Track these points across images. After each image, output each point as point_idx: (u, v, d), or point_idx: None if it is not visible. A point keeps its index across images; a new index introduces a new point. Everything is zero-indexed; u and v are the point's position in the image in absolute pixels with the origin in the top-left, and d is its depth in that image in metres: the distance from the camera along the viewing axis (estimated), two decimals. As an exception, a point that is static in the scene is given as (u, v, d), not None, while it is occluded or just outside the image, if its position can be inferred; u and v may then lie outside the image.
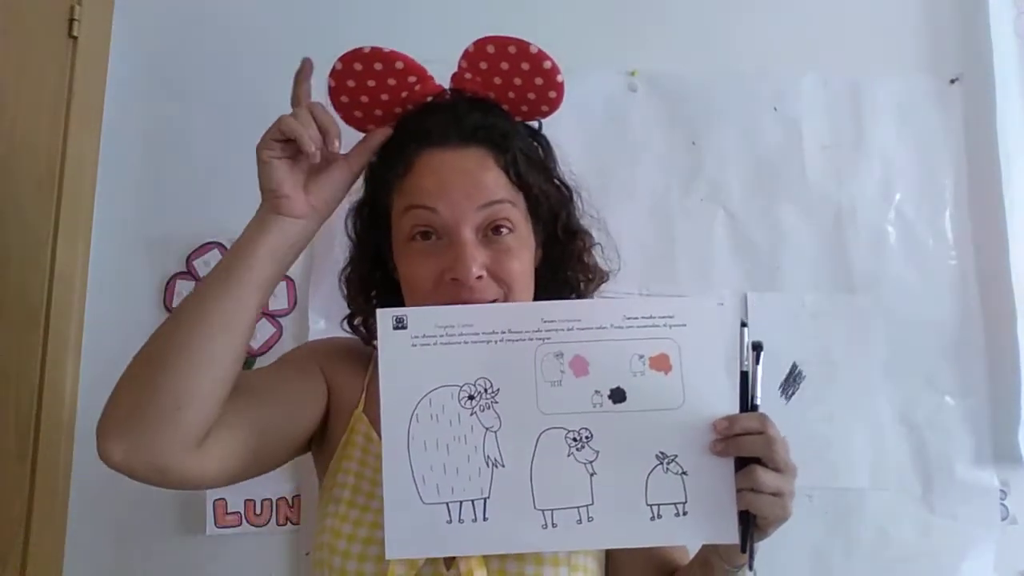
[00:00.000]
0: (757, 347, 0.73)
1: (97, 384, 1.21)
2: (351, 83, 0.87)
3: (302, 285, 1.26)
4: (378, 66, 0.85)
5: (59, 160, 1.21)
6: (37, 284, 1.18)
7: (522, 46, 0.84)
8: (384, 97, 0.88)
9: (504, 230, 0.82)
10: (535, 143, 0.90)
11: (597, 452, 0.72)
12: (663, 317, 0.75)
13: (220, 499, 1.19)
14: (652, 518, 0.72)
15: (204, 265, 1.26)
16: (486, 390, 0.73)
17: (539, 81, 0.86)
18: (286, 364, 0.91)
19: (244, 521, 1.19)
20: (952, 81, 1.36)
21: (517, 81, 0.86)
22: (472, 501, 0.71)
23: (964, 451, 1.27)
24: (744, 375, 0.73)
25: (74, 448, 1.19)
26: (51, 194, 1.20)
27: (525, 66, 0.85)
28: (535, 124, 0.92)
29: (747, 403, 0.73)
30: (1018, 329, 1.28)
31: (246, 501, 1.19)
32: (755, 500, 0.70)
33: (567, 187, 0.92)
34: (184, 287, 1.25)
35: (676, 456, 0.72)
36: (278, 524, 1.20)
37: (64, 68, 1.23)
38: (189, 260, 1.26)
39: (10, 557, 1.12)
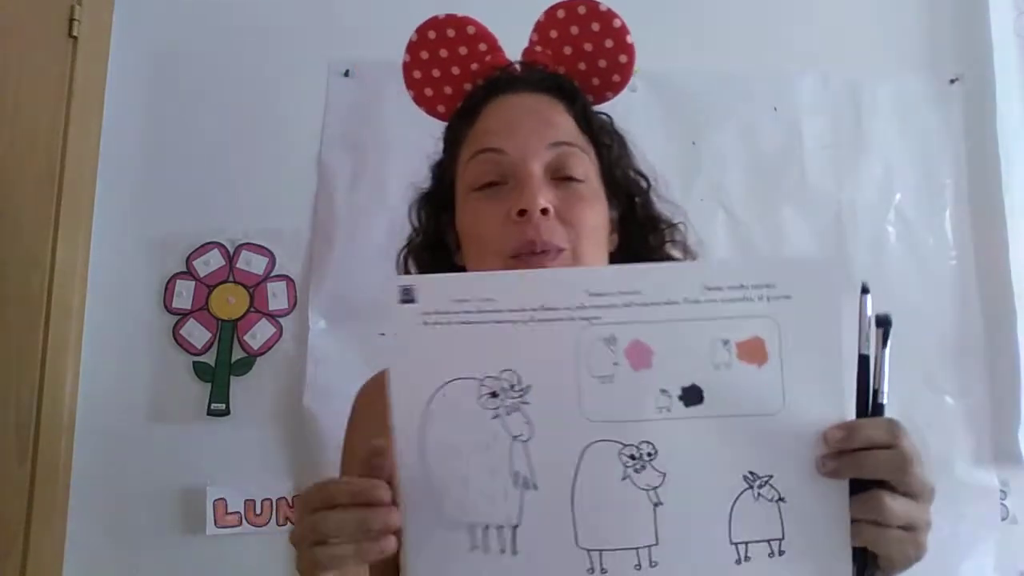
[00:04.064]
0: (883, 322, 0.54)
1: (97, 384, 1.24)
2: (424, 54, 0.86)
3: (302, 285, 1.26)
4: (451, 32, 0.85)
5: (59, 160, 1.21)
6: (37, 284, 1.18)
7: (591, 4, 0.83)
8: (455, 71, 0.86)
9: (575, 180, 0.74)
10: (614, 132, 0.86)
11: (663, 475, 0.55)
12: (758, 287, 0.55)
13: (220, 499, 1.18)
14: (738, 561, 0.54)
15: (204, 265, 1.26)
16: (512, 386, 0.56)
17: (608, 43, 0.84)
18: None
19: (244, 521, 1.19)
20: (952, 81, 1.36)
21: (587, 47, 0.84)
22: (498, 528, 0.56)
23: (964, 451, 1.27)
24: (864, 360, 0.55)
25: (74, 448, 1.19)
26: (51, 193, 1.20)
27: (595, 26, 0.83)
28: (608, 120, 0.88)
29: (866, 402, 0.56)
30: (1018, 329, 1.28)
31: (246, 501, 1.19)
32: (879, 536, 0.53)
33: (645, 177, 0.87)
34: (184, 287, 1.25)
35: (770, 477, 0.55)
36: (278, 524, 1.20)
37: (64, 68, 1.23)
38: (189, 260, 1.26)
39: (10, 557, 1.12)
